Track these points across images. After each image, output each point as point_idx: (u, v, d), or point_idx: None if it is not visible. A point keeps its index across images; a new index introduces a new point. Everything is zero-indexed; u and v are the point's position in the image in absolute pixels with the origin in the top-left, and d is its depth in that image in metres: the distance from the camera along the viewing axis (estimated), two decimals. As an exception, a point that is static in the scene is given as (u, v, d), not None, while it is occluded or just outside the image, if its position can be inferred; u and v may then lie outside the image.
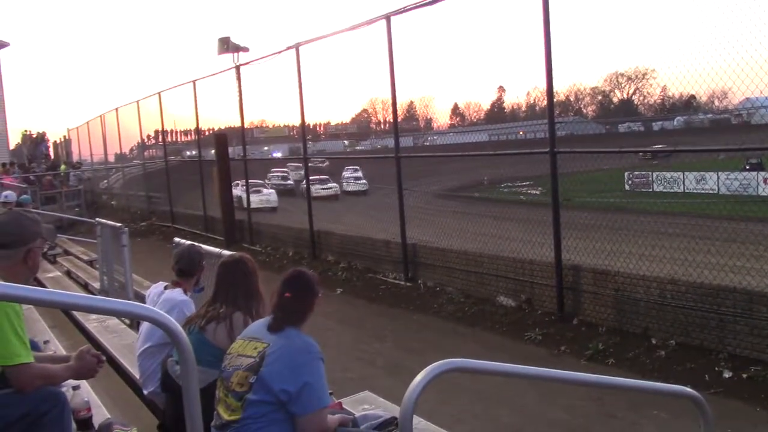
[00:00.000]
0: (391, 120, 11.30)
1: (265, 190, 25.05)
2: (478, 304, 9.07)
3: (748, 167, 29.70)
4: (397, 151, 10.86)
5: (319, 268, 12.13)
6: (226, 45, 15.86)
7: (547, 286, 8.41)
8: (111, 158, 30.36)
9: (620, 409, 5.70)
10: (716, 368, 6.35)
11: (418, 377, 2.40)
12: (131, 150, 29.38)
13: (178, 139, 28.35)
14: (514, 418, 5.77)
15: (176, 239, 6.92)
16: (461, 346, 7.80)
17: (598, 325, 7.71)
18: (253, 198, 19.36)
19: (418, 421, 4.10)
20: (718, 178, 29.04)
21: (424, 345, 7.93)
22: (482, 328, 8.40)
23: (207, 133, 19.48)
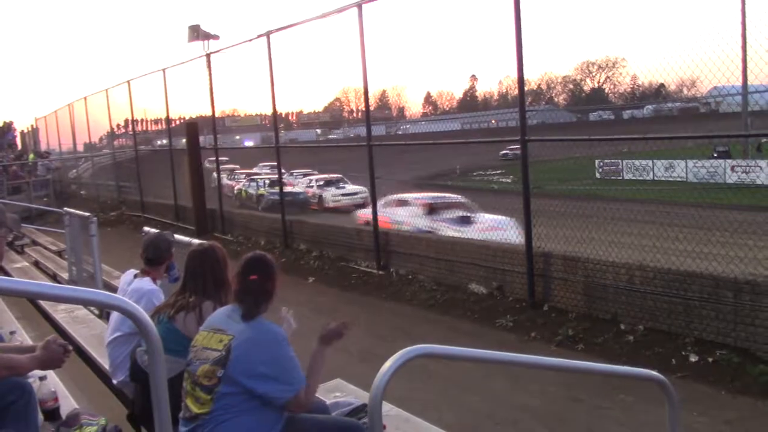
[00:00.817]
0: (364, 109, 11.30)
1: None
2: (449, 292, 9.12)
3: (716, 155, 30.14)
4: (369, 139, 10.84)
5: (291, 257, 12.11)
6: (197, 33, 15.72)
7: (518, 273, 8.47)
8: (80, 147, 29.95)
9: (588, 394, 5.77)
10: (683, 353, 6.45)
11: (387, 364, 2.41)
12: (101, 139, 28.99)
13: (149, 128, 28.00)
14: (484, 403, 5.82)
15: (145, 228, 6.87)
16: (433, 333, 7.84)
17: (568, 312, 7.80)
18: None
19: (389, 408, 4.13)
20: (687, 166, 29.45)
21: (396, 333, 7.96)
22: (454, 316, 8.45)
23: (178, 122, 19.30)
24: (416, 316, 8.68)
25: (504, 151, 39.48)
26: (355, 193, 22.25)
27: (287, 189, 20.96)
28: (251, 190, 22.75)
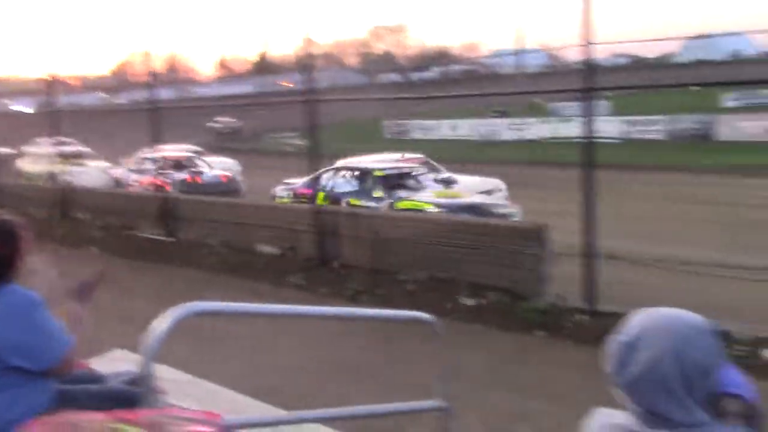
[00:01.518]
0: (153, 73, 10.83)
1: None
2: (240, 254, 9.11)
3: (494, 114, 32.47)
4: (155, 102, 10.43)
5: (70, 227, 11.43)
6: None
7: (309, 233, 8.63)
8: None
9: (374, 342, 6.02)
10: (458, 297, 6.97)
11: (157, 324, 2.36)
12: None
13: None
14: (274, 358, 5.89)
15: None
16: (223, 295, 7.73)
17: (356, 267, 8.08)
18: None
19: (172, 372, 4.08)
20: (470, 125, 31.42)
21: (185, 298, 7.65)
22: (245, 277, 8.46)
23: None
24: (208, 280, 8.59)
25: (210, 124, 35.84)
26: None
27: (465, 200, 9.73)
28: (362, 200, 9.96)
